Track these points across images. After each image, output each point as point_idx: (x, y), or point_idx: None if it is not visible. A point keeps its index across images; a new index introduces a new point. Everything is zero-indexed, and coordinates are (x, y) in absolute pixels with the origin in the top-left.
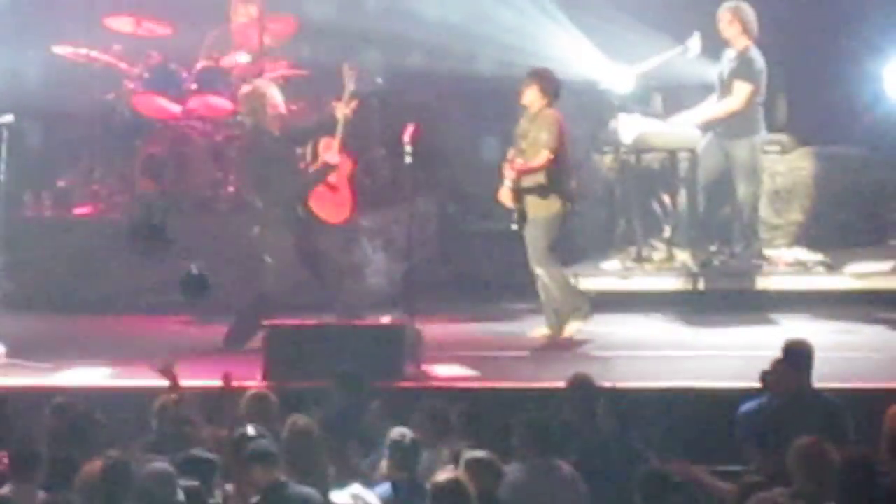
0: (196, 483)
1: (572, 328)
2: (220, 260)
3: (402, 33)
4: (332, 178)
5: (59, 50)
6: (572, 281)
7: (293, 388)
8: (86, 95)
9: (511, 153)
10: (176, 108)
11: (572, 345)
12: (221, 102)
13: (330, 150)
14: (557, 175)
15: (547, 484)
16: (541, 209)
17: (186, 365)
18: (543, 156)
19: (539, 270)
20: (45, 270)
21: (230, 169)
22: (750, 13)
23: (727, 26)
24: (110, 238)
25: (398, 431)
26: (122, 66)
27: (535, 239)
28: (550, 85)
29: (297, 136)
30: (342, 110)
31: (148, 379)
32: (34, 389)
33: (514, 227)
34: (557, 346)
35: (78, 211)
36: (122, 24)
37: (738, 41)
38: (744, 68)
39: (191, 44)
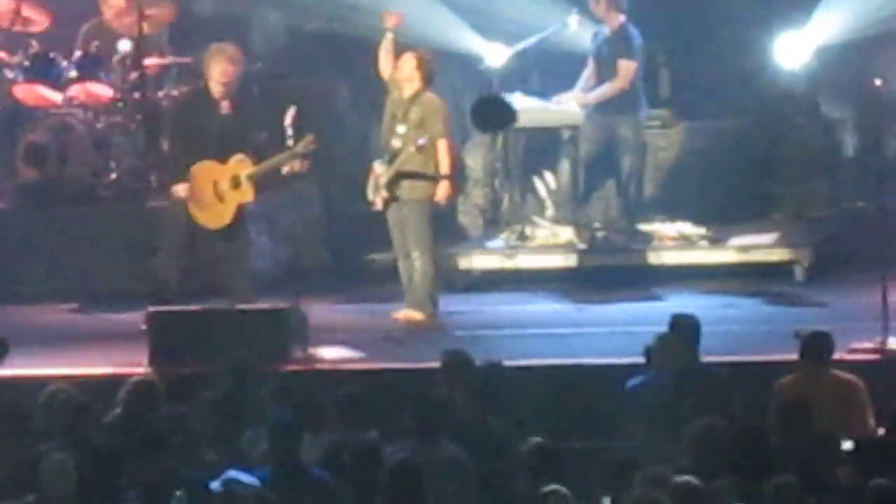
0: None
1: (408, 314)
2: (103, 248)
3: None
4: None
5: None
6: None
7: (178, 374)
8: None
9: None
10: (57, 97)
11: (458, 324)
12: (102, 90)
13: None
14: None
15: (433, 464)
16: (419, 191)
17: (73, 352)
18: (444, 146)
19: (416, 254)
20: None
21: (112, 156)
22: None
23: (595, 5)
24: None
25: (278, 414)
26: (1, 55)
27: (418, 222)
28: (431, 68)
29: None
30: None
31: (36, 368)
32: None
33: (378, 208)
34: (444, 326)
35: None
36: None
37: (610, 18)
38: (624, 46)
39: (69, 33)
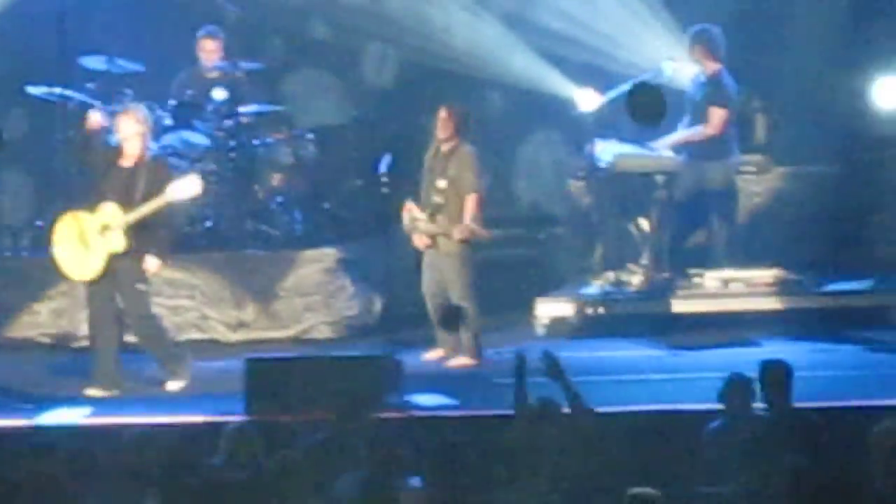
0: None
1: (460, 361)
2: (198, 296)
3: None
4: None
5: (33, 90)
6: None
7: (274, 422)
8: (61, 134)
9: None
10: (152, 145)
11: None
12: (197, 138)
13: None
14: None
15: None
16: (458, 244)
17: (170, 400)
18: (473, 200)
19: (465, 304)
20: (25, 310)
21: (207, 204)
22: (715, 37)
23: (692, 50)
24: None
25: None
26: (97, 104)
27: (461, 274)
28: (465, 121)
29: None
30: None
31: (134, 416)
32: (14, 430)
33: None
34: (536, 373)
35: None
36: (96, 62)
37: (707, 65)
38: (717, 92)
39: (163, 81)
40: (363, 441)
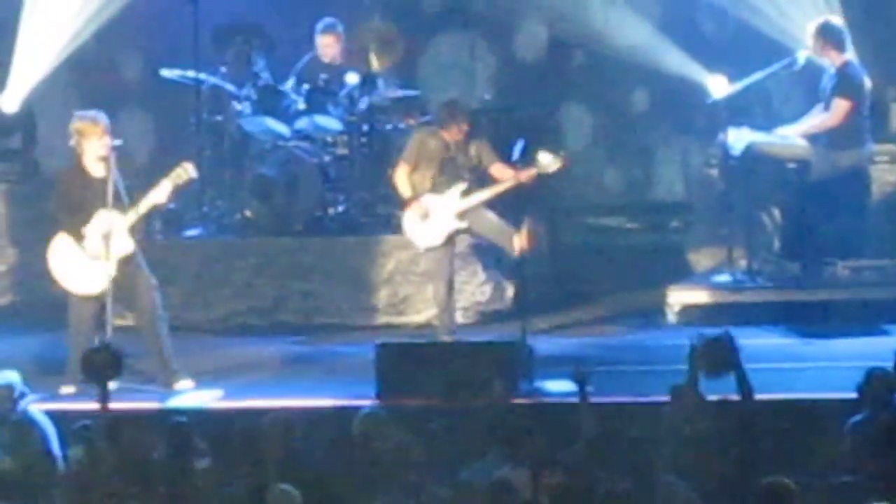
0: None
1: None
2: (330, 280)
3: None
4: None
5: (166, 73)
6: None
7: (405, 406)
8: (194, 117)
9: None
10: (284, 129)
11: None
12: (330, 123)
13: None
14: None
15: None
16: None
17: (299, 383)
18: (502, 165)
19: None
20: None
21: (339, 189)
22: (835, 30)
23: (814, 44)
24: (221, 260)
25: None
26: (230, 87)
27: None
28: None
29: None
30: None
31: (264, 399)
32: (146, 412)
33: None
34: (669, 361)
35: (188, 233)
36: (228, 45)
37: (832, 57)
38: (842, 84)
39: (286, 65)
40: (492, 427)
